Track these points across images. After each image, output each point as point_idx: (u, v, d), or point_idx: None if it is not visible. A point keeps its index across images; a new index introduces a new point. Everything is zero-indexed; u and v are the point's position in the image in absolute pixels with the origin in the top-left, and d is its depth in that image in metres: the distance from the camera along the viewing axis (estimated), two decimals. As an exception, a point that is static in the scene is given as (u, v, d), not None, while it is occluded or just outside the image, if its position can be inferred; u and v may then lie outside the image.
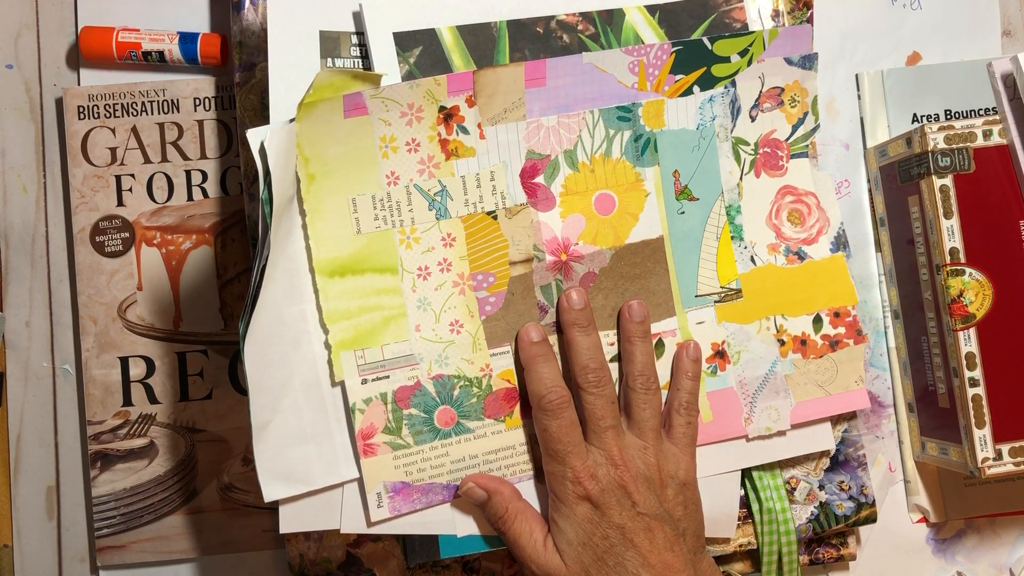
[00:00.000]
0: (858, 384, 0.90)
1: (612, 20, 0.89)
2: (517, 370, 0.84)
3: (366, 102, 0.80)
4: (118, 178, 0.95)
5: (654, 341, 0.87)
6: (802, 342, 0.89)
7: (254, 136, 0.78)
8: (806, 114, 0.91)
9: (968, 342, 0.88)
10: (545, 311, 0.85)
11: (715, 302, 0.88)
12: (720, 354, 0.88)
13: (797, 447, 0.91)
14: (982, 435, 0.88)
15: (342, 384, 0.82)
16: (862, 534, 0.98)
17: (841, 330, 0.90)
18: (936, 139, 0.88)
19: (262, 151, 0.77)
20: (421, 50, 0.86)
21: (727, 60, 0.88)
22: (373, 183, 0.82)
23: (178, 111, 0.95)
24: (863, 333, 0.90)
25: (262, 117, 0.89)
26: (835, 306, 0.90)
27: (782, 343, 0.89)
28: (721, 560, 0.94)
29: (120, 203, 0.94)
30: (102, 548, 0.93)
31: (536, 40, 0.88)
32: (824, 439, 0.91)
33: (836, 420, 0.93)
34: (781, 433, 0.90)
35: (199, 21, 0.97)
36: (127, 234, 0.94)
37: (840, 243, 0.91)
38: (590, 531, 0.78)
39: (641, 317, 0.85)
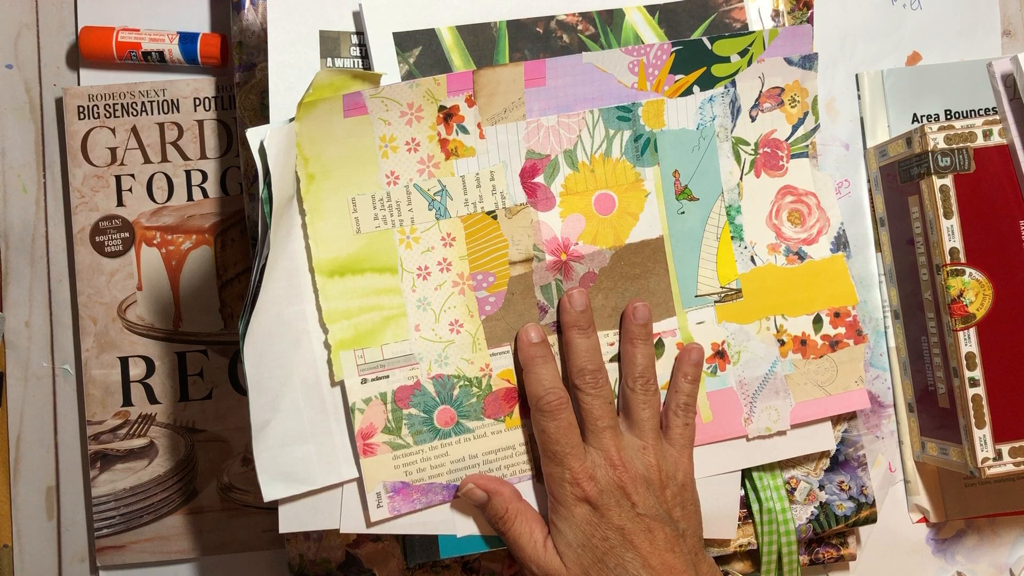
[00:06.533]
0: (858, 384, 0.90)
1: (612, 20, 0.89)
2: (516, 370, 0.84)
3: (366, 101, 0.80)
4: (118, 178, 0.95)
5: (654, 341, 0.87)
6: (802, 342, 0.89)
7: (254, 136, 0.78)
8: (806, 114, 0.91)
9: (968, 342, 0.88)
10: (545, 311, 0.85)
11: (715, 302, 0.88)
12: (720, 354, 0.88)
13: (797, 447, 0.91)
14: (982, 435, 0.88)
15: (342, 384, 0.82)
16: (862, 534, 0.98)
17: (841, 330, 0.90)
18: (936, 139, 0.88)
19: (262, 150, 0.77)
20: (421, 50, 0.86)
21: (727, 60, 0.88)
22: (373, 183, 0.82)
23: (178, 111, 0.96)
24: (863, 333, 0.90)
25: (262, 117, 0.89)
26: (835, 306, 0.90)
27: (782, 343, 0.89)
28: (721, 560, 0.94)
29: (120, 203, 0.94)
30: (102, 548, 0.93)
31: (536, 40, 0.88)
32: (824, 439, 0.91)
33: (836, 420, 0.93)
34: (781, 433, 0.90)
35: (199, 21, 0.97)
36: (127, 234, 0.94)
37: (840, 243, 0.91)
38: (589, 532, 0.78)
39: (644, 320, 0.85)
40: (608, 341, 0.86)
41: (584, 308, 0.84)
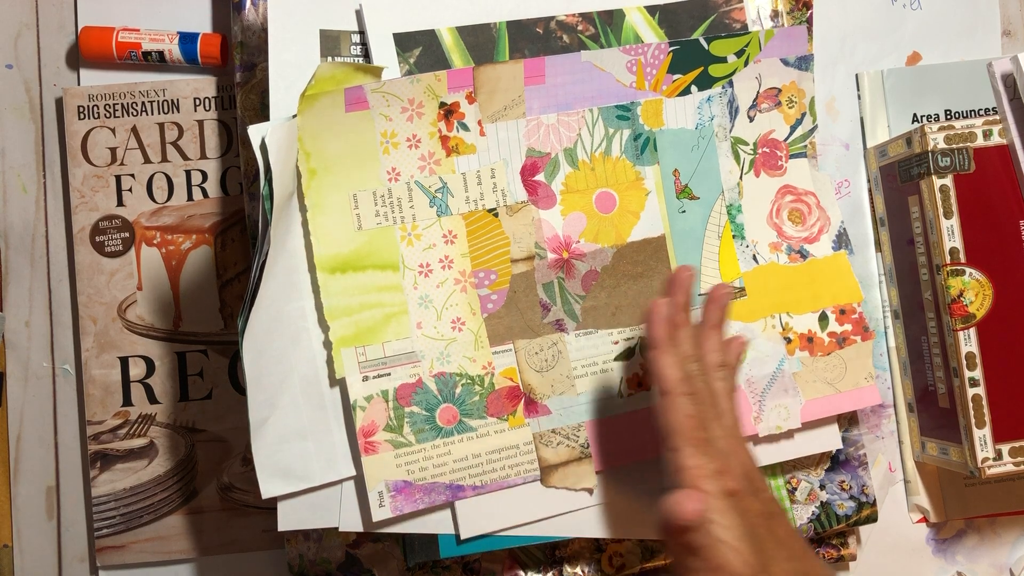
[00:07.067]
0: (868, 380, 0.90)
1: (612, 21, 0.89)
2: (520, 368, 0.84)
3: (367, 96, 0.80)
4: (118, 178, 0.95)
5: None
6: (809, 339, 0.89)
7: (255, 132, 0.78)
8: (804, 115, 0.91)
9: (968, 342, 0.88)
10: (547, 309, 0.85)
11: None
12: (725, 352, 0.88)
13: (804, 447, 0.91)
14: (982, 435, 0.88)
15: (342, 381, 0.82)
16: (862, 534, 0.98)
17: (848, 327, 0.90)
18: (936, 139, 0.88)
19: (263, 147, 0.77)
20: (421, 50, 0.86)
21: (724, 60, 0.88)
22: (374, 179, 0.82)
23: (178, 111, 0.95)
24: (870, 330, 0.90)
25: (262, 117, 0.89)
26: (840, 303, 0.90)
27: (788, 341, 0.89)
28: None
29: (120, 203, 0.94)
30: (102, 548, 0.92)
31: (536, 40, 0.88)
32: (831, 439, 0.91)
33: (836, 420, 0.93)
34: (792, 431, 0.89)
35: (199, 21, 0.97)
36: (127, 234, 0.94)
37: (842, 241, 0.91)
38: (742, 522, 0.71)
39: (728, 308, 0.81)
40: (612, 340, 0.86)
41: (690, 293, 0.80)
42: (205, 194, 0.95)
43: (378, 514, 0.81)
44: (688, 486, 0.71)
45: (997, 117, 0.90)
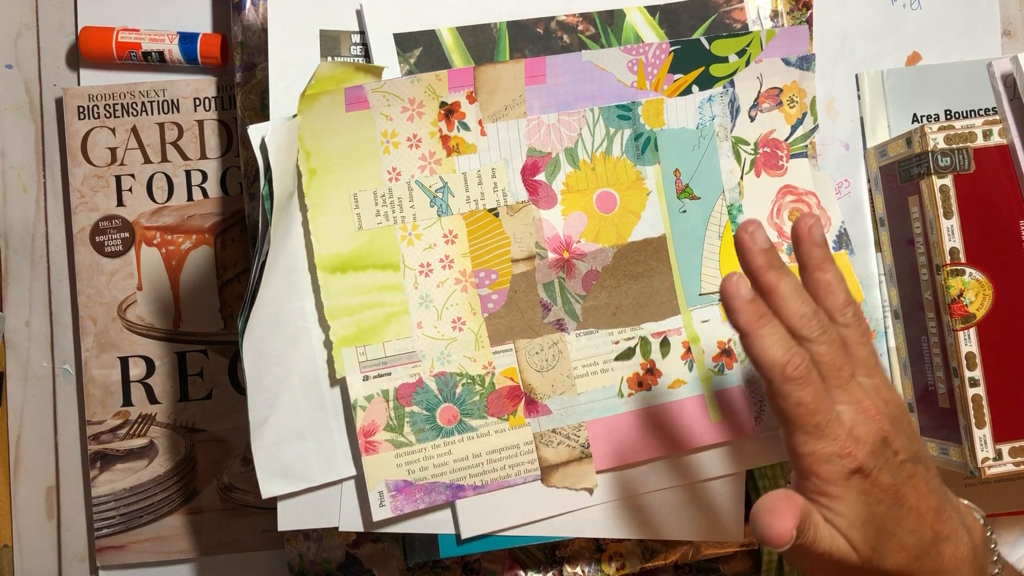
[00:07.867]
0: (868, 381, 0.90)
1: (612, 21, 0.89)
2: (520, 368, 0.84)
3: (367, 96, 0.80)
4: (118, 178, 0.95)
5: (659, 340, 0.86)
6: (808, 339, 0.89)
7: (255, 132, 0.78)
8: (805, 115, 0.91)
9: (968, 342, 0.88)
10: (548, 309, 0.85)
11: (719, 300, 0.88)
12: (727, 352, 0.88)
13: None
14: (982, 435, 0.87)
15: (343, 381, 0.82)
16: (863, 534, 0.98)
17: (847, 327, 0.90)
18: (936, 139, 0.88)
19: (263, 147, 0.78)
20: (422, 51, 0.86)
21: (725, 60, 0.88)
22: (374, 178, 0.82)
23: (178, 111, 0.95)
24: (871, 330, 0.90)
25: (263, 117, 0.89)
26: (840, 303, 0.90)
27: (788, 340, 0.89)
28: (721, 560, 0.93)
29: (120, 203, 0.94)
30: (102, 548, 0.92)
31: (536, 40, 0.88)
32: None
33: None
34: None
35: (199, 21, 0.97)
36: (127, 234, 0.94)
37: (842, 242, 0.91)
38: (865, 503, 0.65)
39: (823, 239, 0.72)
40: (613, 340, 0.86)
41: (771, 246, 0.69)
42: (205, 194, 0.95)
43: (378, 514, 0.81)
44: (803, 473, 0.66)
45: (997, 117, 0.90)
